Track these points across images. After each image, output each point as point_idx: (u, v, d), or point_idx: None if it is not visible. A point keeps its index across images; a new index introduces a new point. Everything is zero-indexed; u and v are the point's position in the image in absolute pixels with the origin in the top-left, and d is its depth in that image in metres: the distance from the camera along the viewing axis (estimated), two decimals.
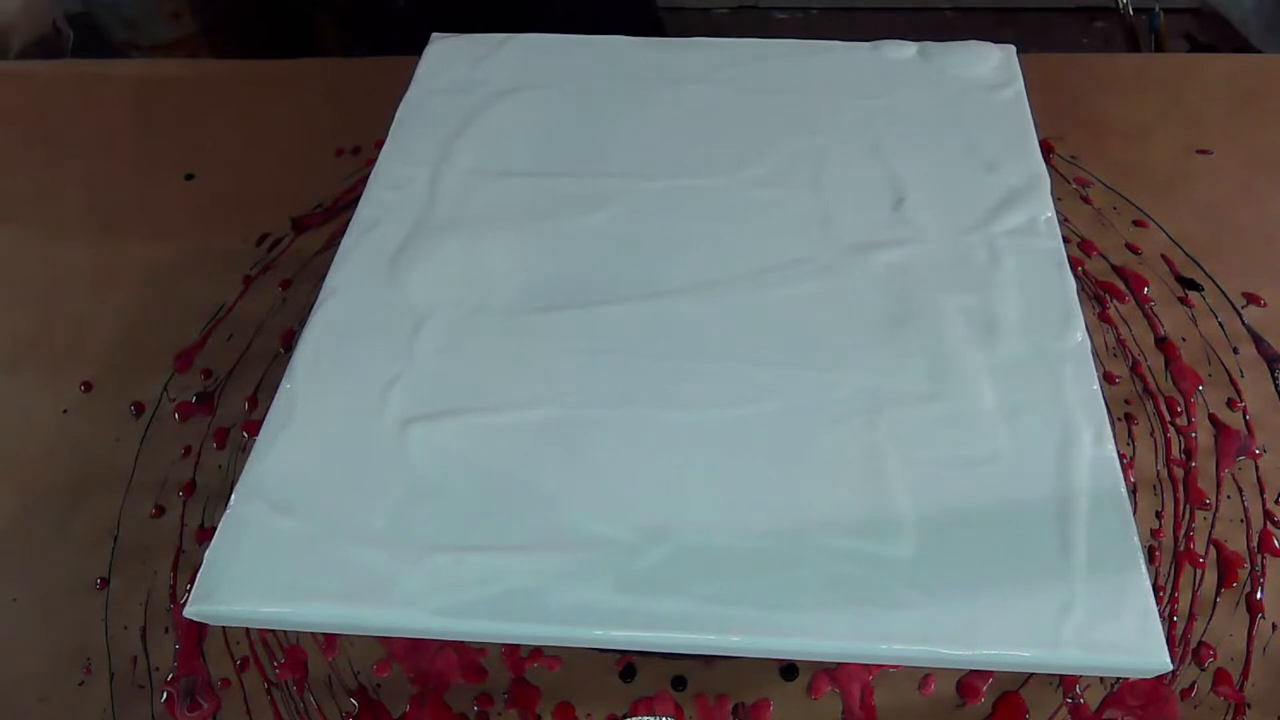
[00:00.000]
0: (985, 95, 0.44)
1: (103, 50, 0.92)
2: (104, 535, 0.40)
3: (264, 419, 0.33)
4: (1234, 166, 0.53)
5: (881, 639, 0.28)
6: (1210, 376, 0.44)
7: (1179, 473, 0.41)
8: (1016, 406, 0.33)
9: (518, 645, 0.36)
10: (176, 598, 0.38)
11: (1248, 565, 0.38)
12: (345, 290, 0.37)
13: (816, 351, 0.35)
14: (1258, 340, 0.45)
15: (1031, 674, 0.35)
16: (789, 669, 0.36)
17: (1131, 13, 0.80)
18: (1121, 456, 0.35)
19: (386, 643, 0.37)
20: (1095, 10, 1.46)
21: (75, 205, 0.54)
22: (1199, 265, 0.48)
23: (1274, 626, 0.36)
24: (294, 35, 1.04)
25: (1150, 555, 0.38)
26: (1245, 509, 0.39)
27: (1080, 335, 0.35)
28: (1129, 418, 0.42)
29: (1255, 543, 0.38)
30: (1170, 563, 0.38)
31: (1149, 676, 0.34)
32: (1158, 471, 0.41)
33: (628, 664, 0.36)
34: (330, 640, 0.37)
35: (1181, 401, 0.43)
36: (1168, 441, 0.42)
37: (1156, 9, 0.80)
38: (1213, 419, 0.42)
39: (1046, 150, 0.51)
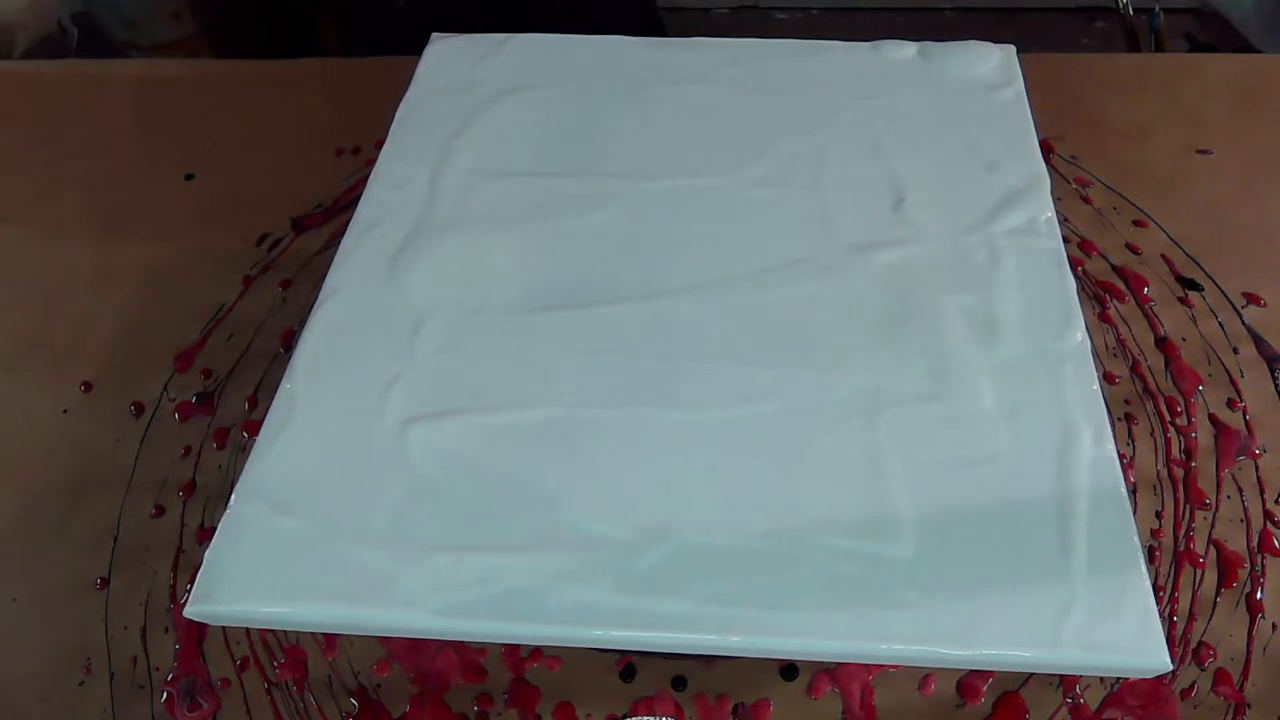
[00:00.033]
0: (985, 95, 0.44)
1: (103, 50, 0.92)
2: (104, 535, 0.40)
3: (264, 419, 0.33)
4: (1234, 166, 0.53)
5: (881, 639, 0.28)
6: (1210, 376, 0.44)
7: (1179, 473, 0.41)
8: (1016, 406, 0.33)
9: (518, 645, 0.36)
10: (176, 598, 0.38)
11: (1248, 565, 0.38)
12: (345, 290, 0.37)
13: (816, 351, 0.35)
14: (1258, 340, 0.45)
15: (1031, 674, 0.35)
16: (789, 669, 0.36)
17: (1131, 13, 0.80)
18: (1121, 456, 0.35)
19: (386, 643, 0.37)
20: (1095, 10, 1.46)
21: (75, 205, 0.54)
22: (1199, 265, 0.48)
23: (1274, 626, 0.36)
24: (294, 35, 1.04)
25: (1150, 555, 0.38)
26: (1245, 509, 0.39)
27: (1080, 335, 0.35)
28: (1129, 418, 0.42)
29: (1255, 543, 0.38)
30: (1170, 563, 0.38)
31: (1149, 676, 0.34)
32: (1158, 471, 0.41)
33: (628, 664, 0.36)
34: (330, 640, 0.37)
35: (1181, 401, 0.43)
36: (1168, 441, 0.42)
37: (1156, 9, 0.80)
38: (1213, 419, 0.42)
39: (1046, 150, 0.51)
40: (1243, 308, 0.46)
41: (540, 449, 0.32)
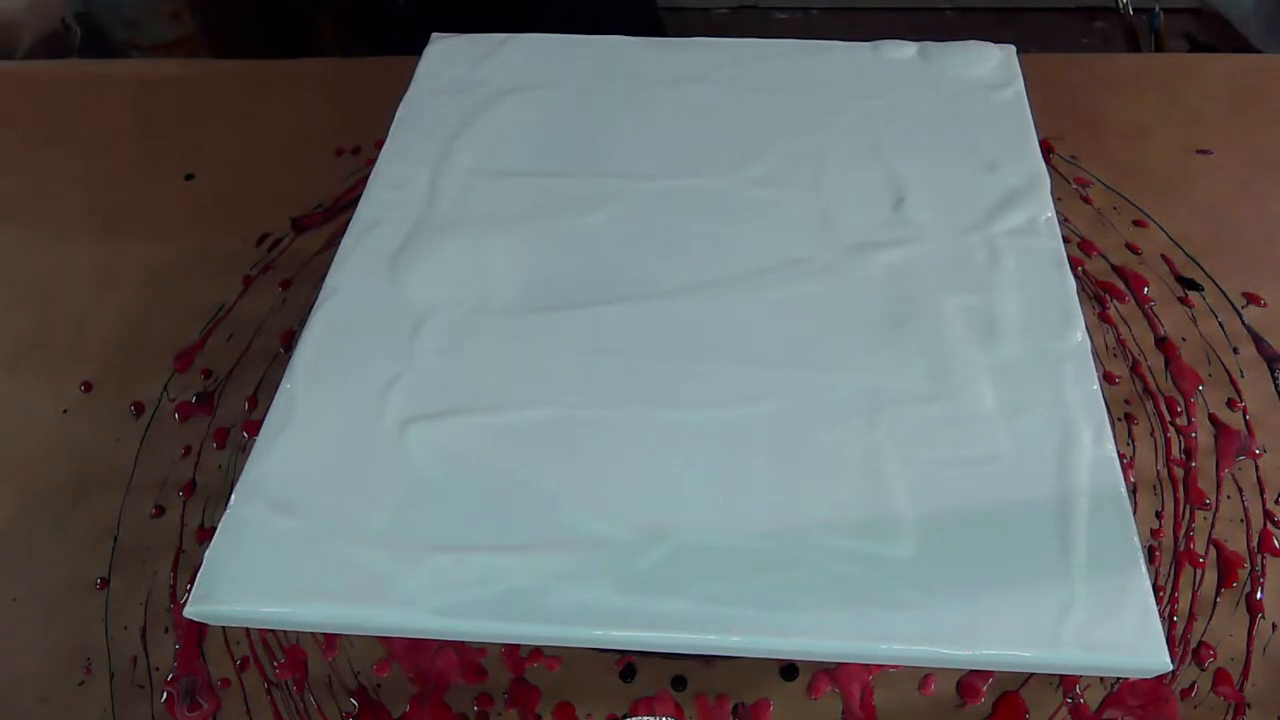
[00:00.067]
0: (985, 95, 0.44)
1: (103, 50, 0.92)
2: (104, 535, 0.40)
3: (264, 419, 0.33)
4: (1234, 166, 0.53)
5: (881, 639, 0.28)
6: (1210, 376, 0.44)
7: (1179, 473, 0.41)
8: (1016, 406, 0.33)
9: (518, 645, 0.36)
10: (176, 598, 0.38)
11: (1248, 565, 0.38)
12: (345, 290, 0.37)
13: (816, 351, 0.35)
14: (1258, 340, 0.45)
15: (1031, 674, 0.35)
16: (789, 669, 0.36)
17: (1131, 13, 0.80)
18: (1121, 456, 0.35)
19: (386, 643, 0.37)
20: (1095, 10, 1.46)
21: (75, 205, 0.54)
22: (1199, 265, 0.48)
23: (1274, 626, 0.36)
24: (294, 35, 1.04)
25: (1150, 555, 0.38)
26: (1245, 509, 0.39)
27: (1080, 335, 0.35)
28: (1129, 418, 0.42)
29: (1255, 543, 0.38)
30: (1170, 563, 0.38)
31: (1149, 676, 0.34)
32: (1158, 471, 0.41)
33: (628, 664, 0.36)
34: (330, 640, 0.37)
35: (1181, 401, 0.43)
36: (1168, 441, 0.42)
37: (1156, 9, 0.80)
38: (1213, 419, 0.42)
39: (1046, 150, 0.51)
40: (1243, 308, 0.46)
41: (540, 449, 0.32)
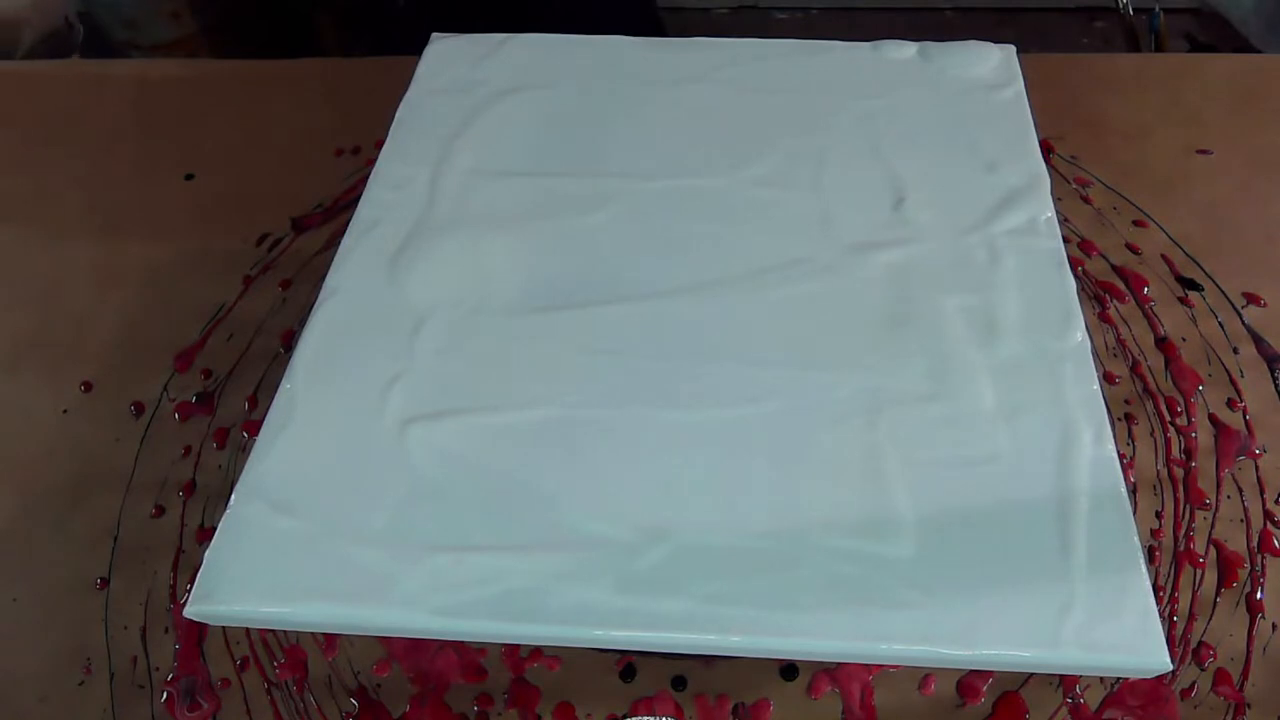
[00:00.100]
0: (985, 95, 0.44)
1: (103, 50, 0.92)
2: (104, 535, 0.40)
3: (264, 419, 0.33)
4: (1234, 166, 0.53)
5: (881, 639, 0.28)
6: (1210, 376, 0.44)
7: (1179, 473, 0.41)
8: (1016, 406, 0.33)
9: (518, 645, 0.36)
10: (176, 598, 0.38)
11: (1248, 565, 0.38)
12: (345, 290, 0.37)
13: (816, 351, 0.35)
14: (1258, 340, 0.45)
15: (1031, 674, 0.35)
16: (789, 669, 0.36)
17: (1131, 13, 0.80)
18: (1121, 456, 0.35)
19: (386, 643, 0.37)
20: (1095, 10, 1.46)
21: (75, 205, 0.54)
22: (1199, 265, 0.48)
23: (1274, 626, 0.36)
24: (294, 35, 1.04)
25: (1150, 555, 0.38)
26: (1245, 509, 0.39)
27: (1080, 335, 0.35)
28: (1129, 418, 0.42)
29: (1255, 543, 0.38)
30: (1170, 563, 0.38)
31: (1149, 676, 0.34)
32: (1158, 471, 0.41)
33: (628, 664, 0.36)
34: (330, 640, 0.37)
35: (1181, 401, 0.43)
36: (1168, 441, 0.42)
37: (1156, 9, 0.80)
38: (1213, 419, 0.42)
39: (1046, 150, 0.51)
40: (1243, 308, 0.46)
41: (540, 449, 0.32)
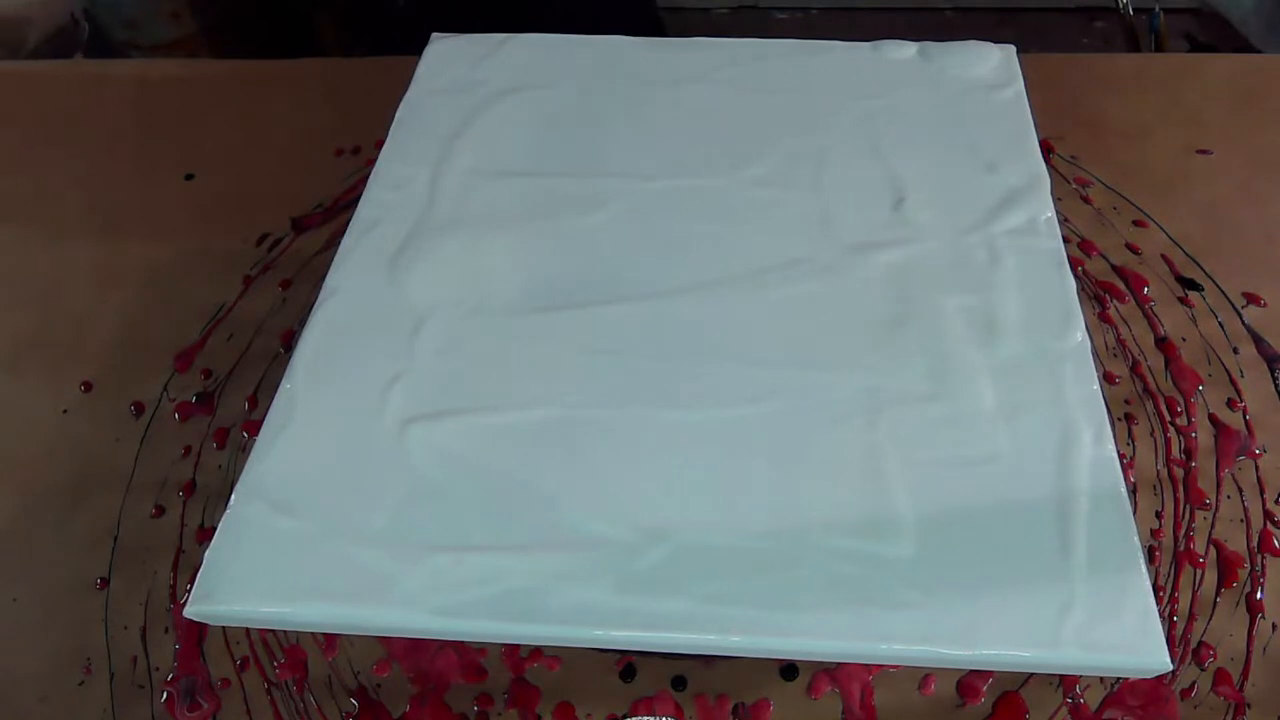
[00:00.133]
0: (985, 95, 0.44)
1: (103, 50, 0.92)
2: (104, 535, 0.40)
3: (264, 419, 0.33)
4: (1234, 166, 0.53)
5: (881, 639, 0.28)
6: (1210, 376, 0.44)
7: (1179, 473, 0.41)
8: (1016, 406, 0.33)
9: (518, 645, 0.36)
10: (176, 598, 0.38)
11: (1248, 565, 0.38)
12: (345, 290, 0.37)
13: (816, 351, 0.35)
14: (1258, 340, 0.45)
15: (1031, 674, 0.35)
16: (789, 669, 0.36)
17: (1131, 13, 0.80)
18: (1121, 456, 0.35)
19: (386, 643, 0.37)
20: (1095, 10, 1.46)
21: (75, 205, 0.54)
22: (1199, 265, 0.48)
23: (1274, 626, 0.36)
24: (294, 35, 1.04)
25: (1150, 555, 0.38)
26: (1245, 509, 0.39)
27: (1080, 335, 0.35)
28: (1129, 418, 0.42)
29: (1255, 543, 0.38)
30: (1170, 563, 0.38)
31: (1149, 676, 0.34)
32: (1158, 471, 0.41)
33: (628, 664, 0.36)
34: (330, 640, 0.37)
35: (1181, 401, 0.43)
36: (1168, 441, 0.42)
37: (1156, 9, 0.80)
38: (1213, 419, 0.42)
39: (1046, 150, 0.51)
40: (1243, 308, 0.46)
41: (540, 449, 0.32)
